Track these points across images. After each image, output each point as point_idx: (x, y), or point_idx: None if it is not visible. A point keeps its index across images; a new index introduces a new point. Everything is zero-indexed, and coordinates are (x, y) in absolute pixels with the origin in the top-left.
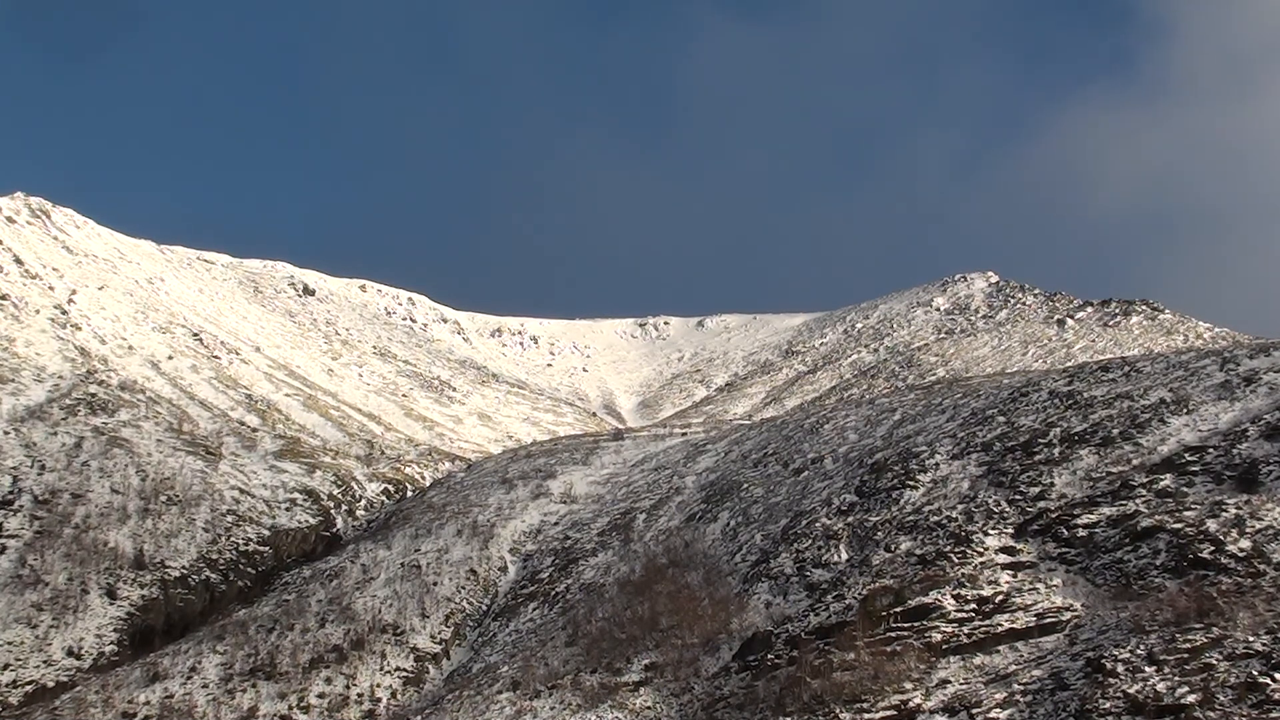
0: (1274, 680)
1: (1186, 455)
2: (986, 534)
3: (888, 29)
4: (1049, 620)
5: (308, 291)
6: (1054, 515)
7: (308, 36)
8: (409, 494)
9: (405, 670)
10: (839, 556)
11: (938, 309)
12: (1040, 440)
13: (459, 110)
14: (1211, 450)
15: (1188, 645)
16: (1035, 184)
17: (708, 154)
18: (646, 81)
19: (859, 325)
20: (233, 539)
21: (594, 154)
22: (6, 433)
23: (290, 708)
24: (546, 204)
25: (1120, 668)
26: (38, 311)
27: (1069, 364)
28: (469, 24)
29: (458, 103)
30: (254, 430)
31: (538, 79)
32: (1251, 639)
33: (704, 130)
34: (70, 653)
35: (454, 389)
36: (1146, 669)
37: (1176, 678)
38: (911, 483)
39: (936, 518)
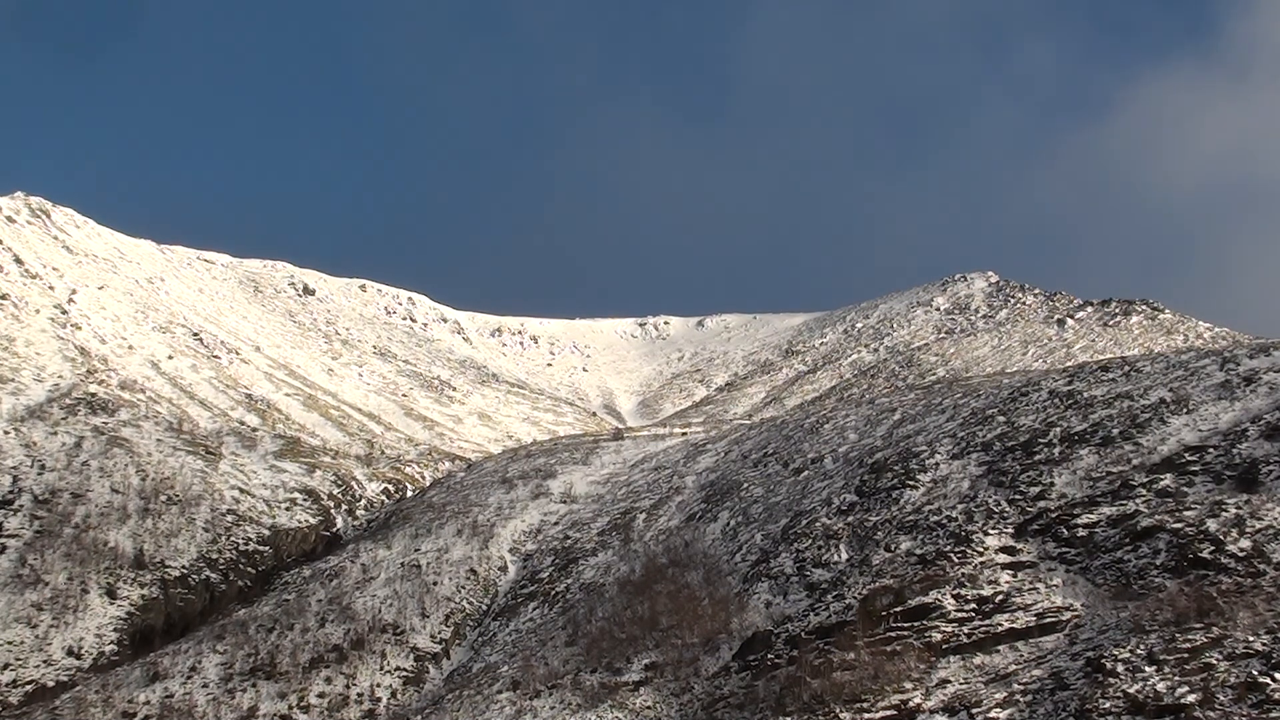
0: (1274, 680)
1: (1186, 455)
2: (986, 534)
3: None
4: (1049, 620)
5: (308, 291)
6: (1054, 515)
7: (313, 33)
8: (409, 494)
9: (405, 670)
10: (839, 556)
11: (938, 309)
12: (1040, 440)
13: (481, 98)
14: (1211, 450)
15: (1188, 645)
16: (1102, 166)
17: (759, 132)
18: (698, 56)
19: (859, 325)
20: (233, 539)
21: (630, 136)
22: (6, 432)
23: (290, 707)
24: (556, 201)
25: (1120, 667)
26: (38, 311)
27: (1069, 364)
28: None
29: (483, 87)
30: (254, 430)
31: (582, 54)
32: (1251, 639)
33: (756, 106)
34: (70, 652)
35: (454, 389)
36: (1146, 669)
37: (1176, 677)
38: (911, 482)
39: (936, 517)
